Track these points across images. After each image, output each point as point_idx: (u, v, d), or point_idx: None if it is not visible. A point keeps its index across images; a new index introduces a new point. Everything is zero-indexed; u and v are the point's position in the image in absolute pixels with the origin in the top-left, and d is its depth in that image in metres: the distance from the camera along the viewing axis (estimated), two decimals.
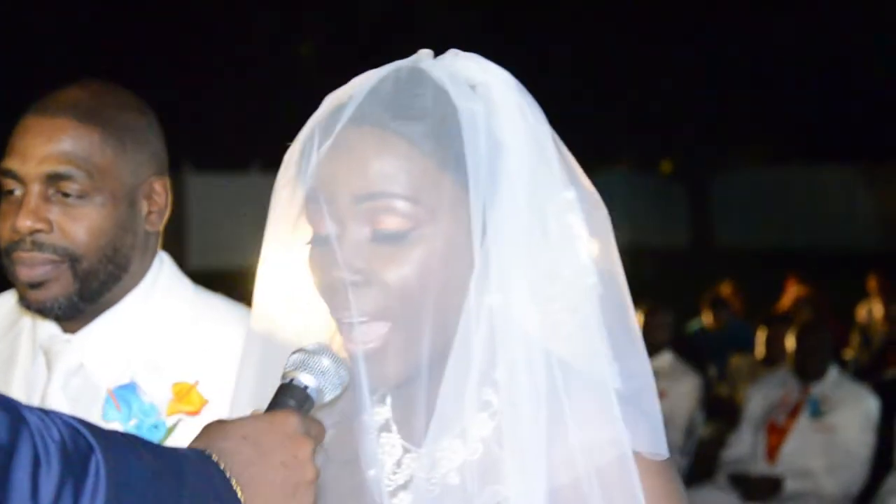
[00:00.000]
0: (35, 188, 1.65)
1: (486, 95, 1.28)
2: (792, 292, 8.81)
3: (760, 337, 6.57)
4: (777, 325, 6.37)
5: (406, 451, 1.31)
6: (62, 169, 1.65)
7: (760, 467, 5.29)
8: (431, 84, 1.27)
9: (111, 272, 1.70)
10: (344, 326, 1.26)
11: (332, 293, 1.26)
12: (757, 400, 5.49)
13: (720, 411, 6.79)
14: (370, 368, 1.26)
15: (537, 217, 1.27)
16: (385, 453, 1.32)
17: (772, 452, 5.29)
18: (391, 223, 1.24)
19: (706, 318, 8.26)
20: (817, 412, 5.25)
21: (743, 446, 5.44)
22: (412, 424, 1.31)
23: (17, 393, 1.72)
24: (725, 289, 8.47)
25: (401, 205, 1.24)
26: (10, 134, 1.70)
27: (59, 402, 1.69)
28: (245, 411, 1.29)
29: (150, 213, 1.75)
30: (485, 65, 1.30)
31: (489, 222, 1.25)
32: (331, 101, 1.29)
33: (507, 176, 1.26)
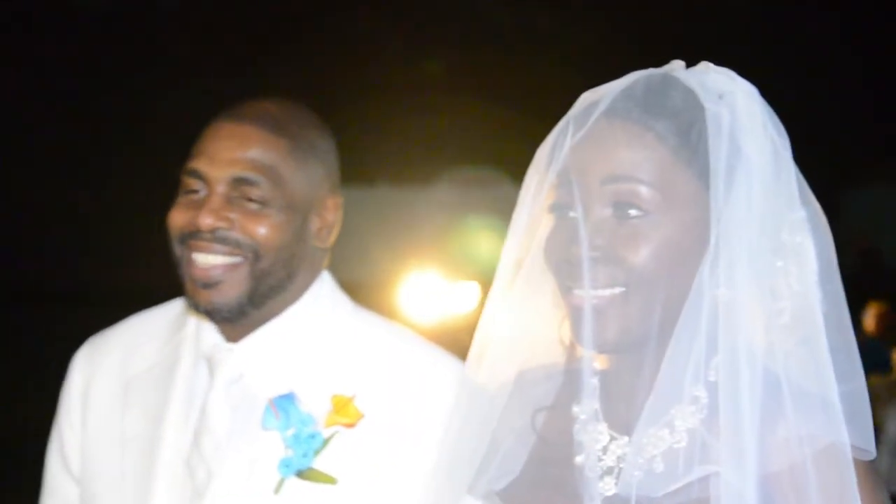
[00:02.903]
0: (220, 189, 1.69)
1: (731, 104, 1.35)
2: None
3: None
4: None
5: (612, 438, 1.37)
6: (248, 174, 1.69)
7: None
8: (681, 87, 1.36)
9: (281, 278, 1.73)
10: (574, 297, 1.34)
11: (569, 267, 1.34)
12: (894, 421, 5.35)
13: None
14: (592, 327, 1.33)
15: (770, 228, 1.33)
16: (592, 440, 1.37)
17: None
18: (633, 205, 1.33)
19: None
20: None
21: (882, 468, 5.31)
22: (618, 413, 1.37)
23: (178, 398, 1.76)
24: (874, 309, 8.22)
25: (643, 190, 1.32)
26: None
27: (221, 410, 1.73)
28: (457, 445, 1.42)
29: (320, 228, 1.78)
30: (734, 77, 1.39)
31: (722, 219, 1.31)
32: (585, 98, 1.40)
33: (744, 179, 1.33)
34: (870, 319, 8.07)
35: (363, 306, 1.87)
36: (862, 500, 1.27)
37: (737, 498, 1.26)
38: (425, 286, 8.13)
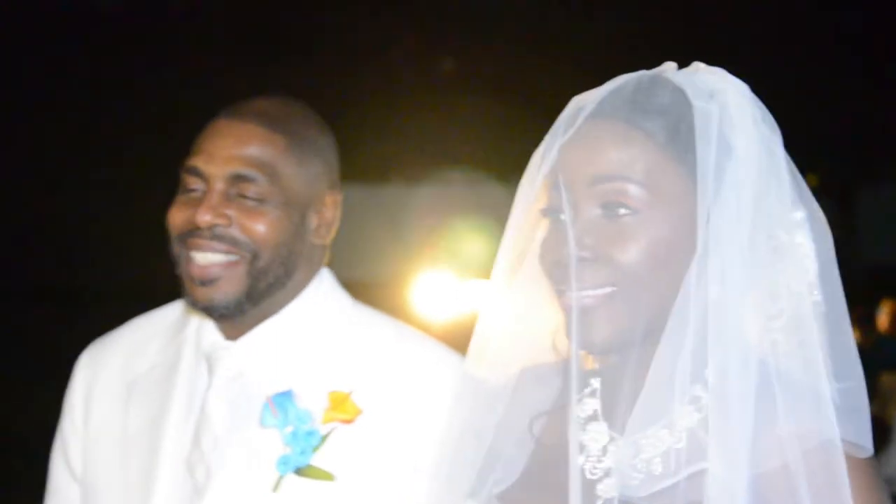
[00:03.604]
0: (218, 186, 1.69)
1: (722, 102, 1.35)
2: None
3: None
4: None
5: (612, 438, 1.36)
6: (246, 171, 1.69)
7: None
8: (670, 86, 1.36)
9: (280, 275, 1.73)
10: (565, 298, 1.34)
11: (560, 269, 1.34)
12: None
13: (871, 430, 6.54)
14: (581, 327, 1.33)
15: (765, 227, 1.33)
16: (592, 440, 1.37)
17: None
18: (622, 204, 1.32)
19: (854, 336, 7.98)
20: None
21: (893, 466, 5.29)
22: (618, 414, 1.36)
23: (179, 398, 1.77)
24: (889, 307, 8.19)
25: (632, 188, 1.32)
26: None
27: (219, 408, 1.73)
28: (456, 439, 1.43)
29: (318, 225, 1.78)
30: (726, 76, 1.39)
31: (712, 217, 1.31)
32: (575, 100, 1.40)
33: (733, 177, 1.32)
34: (883, 317, 8.04)
35: (374, 305, 1.87)
36: (859, 497, 1.27)
37: (728, 495, 1.25)
38: (437, 284, 8.14)
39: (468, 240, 9.07)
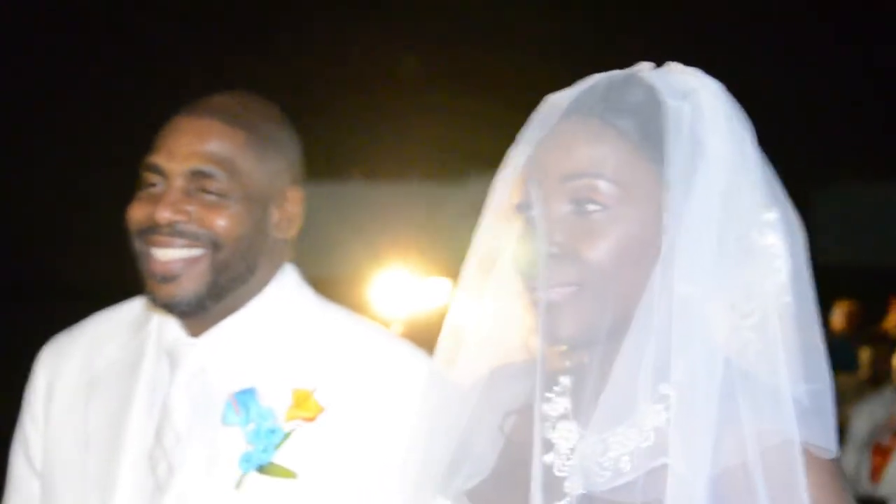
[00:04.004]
0: (178, 183, 1.69)
1: (695, 101, 1.35)
2: None
3: (864, 357, 6.45)
4: (883, 345, 6.27)
5: (582, 437, 1.36)
6: (206, 167, 1.69)
7: (865, 488, 5.19)
8: (644, 85, 1.37)
9: (241, 271, 1.73)
10: (535, 294, 1.34)
11: (530, 266, 1.34)
12: (862, 420, 5.40)
13: None
14: (549, 320, 1.33)
15: (737, 227, 1.33)
16: (561, 438, 1.38)
17: (876, 473, 5.20)
18: (592, 200, 1.33)
19: None
20: None
21: (847, 467, 5.34)
22: (587, 413, 1.36)
23: (141, 394, 1.76)
24: (843, 307, 8.29)
25: (602, 185, 1.33)
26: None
27: (181, 405, 1.72)
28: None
29: (280, 220, 1.77)
30: (700, 76, 1.39)
31: (681, 216, 1.31)
32: (550, 98, 1.41)
33: (704, 176, 1.33)
34: (838, 318, 8.13)
35: (335, 301, 1.87)
36: (820, 497, 1.28)
37: (688, 492, 1.26)
38: (397, 281, 8.14)
39: (427, 238, 9.08)
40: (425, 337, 1.83)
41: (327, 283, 1.89)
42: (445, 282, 7.96)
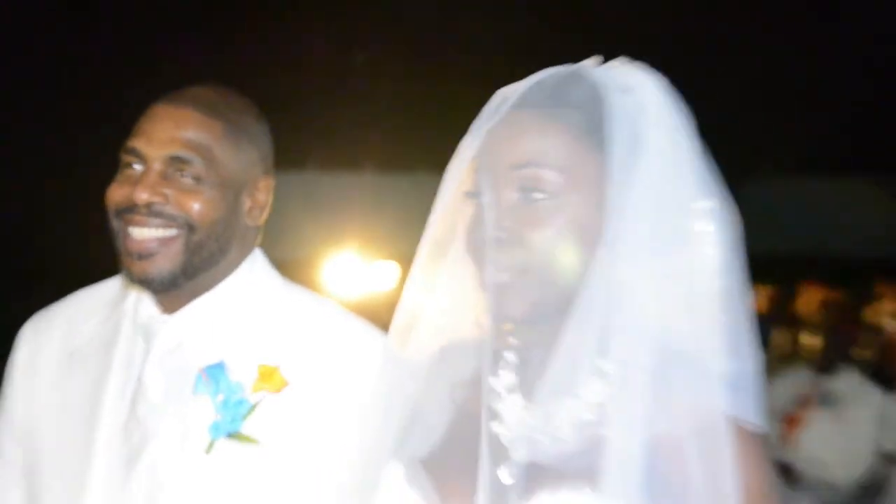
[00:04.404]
0: (156, 167, 1.69)
1: (637, 96, 1.35)
2: (811, 295, 8.75)
3: (778, 336, 6.54)
4: (798, 325, 6.37)
5: (526, 408, 1.37)
6: (184, 153, 1.69)
7: (776, 455, 5.25)
8: (589, 80, 1.36)
9: (214, 252, 1.73)
10: (484, 276, 1.35)
11: (480, 249, 1.34)
12: (775, 393, 5.46)
13: None
14: (498, 300, 1.33)
15: (673, 215, 1.33)
16: (508, 409, 1.38)
17: (786, 441, 5.27)
18: (538, 188, 1.33)
19: None
20: (830, 405, 5.24)
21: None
22: (532, 386, 1.37)
23: (117, 368, 1.76)
24: (763, 293, 8.41)
25: (548, 174, 1.33)
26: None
27: (156, 378, 1.74)
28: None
29: (251, 207, 1.78)
30: (644, 72, 1.38)
31: (623, 204, 1.31)
32: (500, 92, 1.40)
33: (644, 166, 1.32)
34: (759, 299, 8.20)
35: (292, 282, 1.87)
36: (744, 465, 1.29)
37: (623, 460, 1.27)
38: (348, 265, 8.13)
39: (376, 224, 9.06)
40: (374, 316, 1.87)
41: (283, 264, 1.91)
42: (393, 265, 7.97)
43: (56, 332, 1.85)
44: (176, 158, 1.69)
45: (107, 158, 1.79)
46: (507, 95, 1.38)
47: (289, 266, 1.77)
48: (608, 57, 1.44)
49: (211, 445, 1.69)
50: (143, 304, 1.78)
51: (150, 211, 1.68)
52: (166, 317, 1.76)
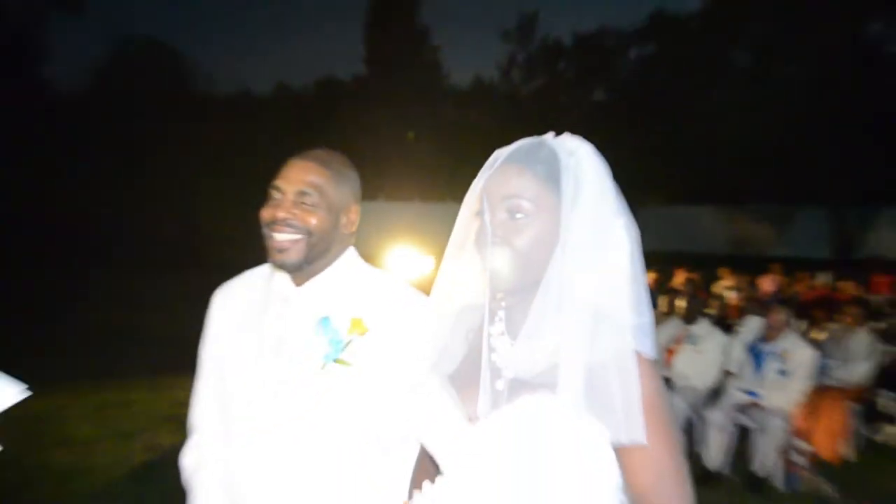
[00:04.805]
0: (290, 196, 1.66)
1: (578, 156, 1.32)
2: (680, 276, 8.75)
3: (662, 301, 6.51)
4: (673, 294, 6.36)
5: (513, 346, 1.34)
6: (306, 189, 1.66)
7: (660, 373, 5.21)
8: (548, 147, 1.33)
9: (322, 249, 1.70)
10: (486, 263, 1.32)
11: (484, 248, 1.31)
12: (661, 335, 5.44)
13: None
14: (494, 279, 1.31)
15: (601, 228, 1.30)
16: (501, 346, 1.35)
17: (666, 364, 5.26)
18: (519, 211, 1.31)
19: None
20: (693, 342, 5.21)
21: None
22: (516, 332, 1.34)
23: (270, 319, 1.73)
24: (653, 275, 8.36)
25: (525, 203, 1.31)
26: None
27: (290, 326, 1.71)
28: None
29: (346, 223, 1.74)
30: (582, 141, 1.35)
31: (570, 222, 1.29)
32: (496, 152, 1.37)
33: (584, 199, 1.30)
34: (651, 278, 8.14)
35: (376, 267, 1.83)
36: (647, 381, 1.26)
37: (570, 378, 1.25)
38: (404, 258, 8.11)
39: (421, 233, 9.04)
40: (421, 289, 1.84)
41: (366, 258, 1.88)
42: (431, 258, 7.94)
43: (234, 297, 1.82)
44: (301, 192, 1.67)
45: (264, 195, 1.76)
46: (500, 154, 1.36)
47: (369, 258, 1.74)
48: (559, 132, 1.42)
49: (323, 366, 1.67)
50: (283, 280, 1.76)
51: (286, 223, 1.66)
52: (297, 288, 1.74)
